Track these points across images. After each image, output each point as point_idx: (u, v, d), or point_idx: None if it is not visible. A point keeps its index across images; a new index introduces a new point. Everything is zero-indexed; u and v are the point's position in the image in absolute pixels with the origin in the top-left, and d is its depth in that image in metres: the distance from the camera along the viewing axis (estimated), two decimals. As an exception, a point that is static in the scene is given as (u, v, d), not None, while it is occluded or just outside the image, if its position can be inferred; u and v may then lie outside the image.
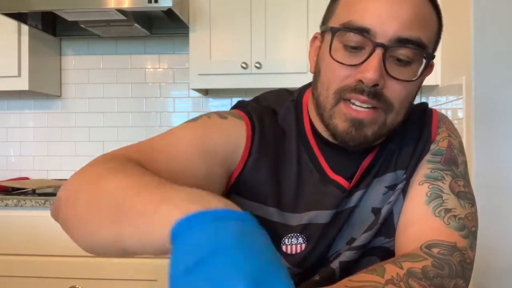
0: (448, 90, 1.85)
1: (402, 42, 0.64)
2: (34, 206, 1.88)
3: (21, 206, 1.89)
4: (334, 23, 0.69)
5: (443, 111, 1.95)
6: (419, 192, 0.72)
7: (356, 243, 0.73)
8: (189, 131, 0.68)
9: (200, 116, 0.74)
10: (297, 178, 0.73)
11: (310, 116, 0.77)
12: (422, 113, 0.80)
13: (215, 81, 2.12)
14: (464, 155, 0.79)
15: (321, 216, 0.72)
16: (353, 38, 0.65)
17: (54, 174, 2.49)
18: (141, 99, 2.47)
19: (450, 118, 1.78)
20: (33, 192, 2.00)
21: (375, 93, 0.65)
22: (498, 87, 1.53)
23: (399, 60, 0.66)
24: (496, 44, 1.53)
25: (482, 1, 1.54)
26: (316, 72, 0.73)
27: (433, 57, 0.70)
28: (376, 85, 0.64)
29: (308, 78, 0.79)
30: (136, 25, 2.16)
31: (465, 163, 0.78)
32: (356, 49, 0.66)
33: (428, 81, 1.98)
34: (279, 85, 2.00)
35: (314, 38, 0.77)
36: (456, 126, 1.77)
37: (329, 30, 0.68)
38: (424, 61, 0.67)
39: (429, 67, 0.72)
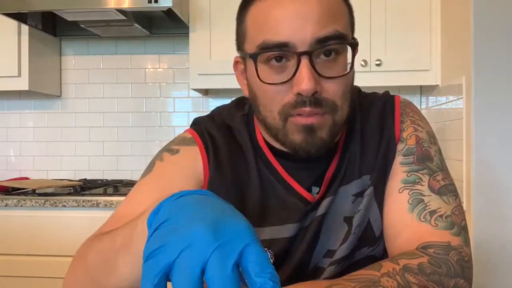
0: (448, 90, 1.85)
1: (322, 42, 0.63)
2: (34, 206, 1.88)
3: (21, 206, 1.89)
4: (250, 46, 0.67)
5: (443, 111, 1.95)
6: (400, 201, 0.71)
7: (336, 257, 0.72)
8: (148, 189, 0.69)
9: (153, 163, 0.73)
10: (260, 192, 0.73)
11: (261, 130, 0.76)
12: (383, 106, 0.78)
13: (215, 81, 2.12)
14: (435, 143, 0.76)
15: (284, 230, 0.71)
16: (275, 56, 0.64)
17: (54, 174, 2.49)
18: (141, 99, 2.47)
19: (450, 118, 1.79)
20: (33, 192, 2.00)
21: (316, 101, 0.64)
22: (498, 87, 1.53)
23: (326, 55, 0.65)
24: (496, 44, 1.53)
25: (482, 1, 1.54)
26: (253, 97, 0.71)
27: (356, 44, 0.68)
28: (315, 92, 0.63)
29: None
30: (136, 25, 2.16)
31: (438, 151, 0.76)
32: (282, 64, 0.65)
33: (428, 81, 2.00)
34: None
35: (236, 62, 0.75)
36: (456, 126, 1.76)
37: (249, 56, 0.67)
38: (350, 49, 0.67)
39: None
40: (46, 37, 2.34)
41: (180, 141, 0.75)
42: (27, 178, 2.44)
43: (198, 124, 0.79)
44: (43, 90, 2.33)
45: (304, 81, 0.62)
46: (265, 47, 0.64)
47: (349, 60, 0.68)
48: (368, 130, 0.75)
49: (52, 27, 2.37)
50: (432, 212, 0.68)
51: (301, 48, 0.63)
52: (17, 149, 2.52)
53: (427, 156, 0.74)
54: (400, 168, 0.73)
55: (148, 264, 0.37)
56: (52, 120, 2.51)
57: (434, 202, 0.69)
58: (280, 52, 0.64)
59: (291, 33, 0.63)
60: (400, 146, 0.75)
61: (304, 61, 0.63)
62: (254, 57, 0.66)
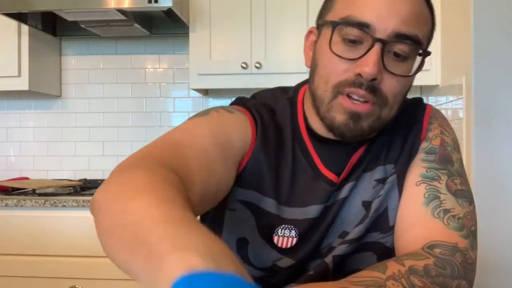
0: (448, 90, 1.85)
1: (400, 37, 0.66)
2: (34, 206, 1.88)
3: (21, 206, 1.89)
4: (333, 17, 0.70)
5: (443, 111, 1.95)
6: (416, 193, 0.73)
7: (349, 237, 0.74)
8: (206, 127, 0.69)
9: (208, 111, 0.74)
10: (292, 173, 0.75)
11: (305, 114, 0.78)
12: (415, 107, 0.80)
13: (215, 81, 2.12)
14: (458, 151, 0.79)
15: (312, 211, 0.74)
16: (353, 32, 0.66)
17: (54, 174, 2.49)
18: (141, 99, 2.47)
19: (450, 118, 1.79)
20: (33, 192, 2.00)
21: (372, 87, 0.66)
22: (498, 87, 1.53)
23: (396, 55, 0.67)
24: (496, 44, 1.53)
25: (482, 1, 1.54)
26: (313, 67, 0.73)
27: (429, 53, 0.71)
28: (374, 79, 0.66)
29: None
30: (136, 25, 2.16)
31: (460, 160, 0.78)
32: (355, 42, 0.67)
33: (428, 81, 2.00)
34: (279, 85, 2.00)
35: (310, 32, 0.77)
36: (456, 126, 1.77)
37: (329, 24, 0.69)
38: (419, 57, 0.69)
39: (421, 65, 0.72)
40: (46, 37, 2.34)
41: (234, 108, 0.77)
42: (27, 178, 2.44)
43: (242, 102, 0.79)
44: (43, 90, 2.33)
45: (370, 65, 0.64)
46: (347, 22, 0.66)
47: (415, 67, 0.70)
48: (399, 125, 0.78)
49: (52, 27, 2.37)
50: (446, 211, 0.70)
51: (379, 35, 0.65)
52: (17, 149, 2.52)
53: (448, 159, 0.75)
54: (420, 164, 0.75)
55: None
56: (52, 120, 2.51)
57: (449, 201, 0.71)
58: (359, 30, 0.66)
59: (376, 17, 0.65)
60: (424, 144, 0.77)
61: (376, 47, 0.65)
62: (334, 25, 0.68)
